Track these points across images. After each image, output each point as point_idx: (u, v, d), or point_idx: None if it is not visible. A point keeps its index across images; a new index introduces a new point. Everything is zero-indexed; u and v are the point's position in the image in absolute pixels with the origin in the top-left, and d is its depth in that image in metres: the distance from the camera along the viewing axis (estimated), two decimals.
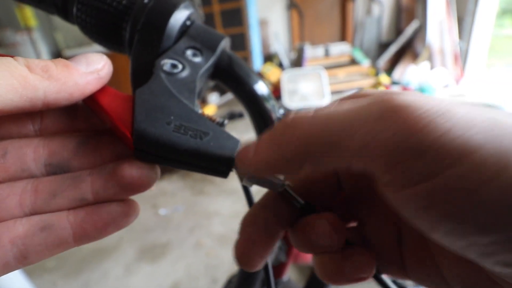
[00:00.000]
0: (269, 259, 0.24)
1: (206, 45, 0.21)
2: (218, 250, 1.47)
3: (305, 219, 0.17)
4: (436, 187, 0.10)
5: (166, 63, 0.18)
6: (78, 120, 0.17)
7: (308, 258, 0.80)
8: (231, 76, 0.23)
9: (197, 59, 0.20)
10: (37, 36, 2.77)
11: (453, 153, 0.10)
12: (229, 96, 3.02)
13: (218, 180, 2.03)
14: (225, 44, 0.22)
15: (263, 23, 3.30)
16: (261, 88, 0.24)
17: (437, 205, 0.11)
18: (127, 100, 0.16)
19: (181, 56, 0.19)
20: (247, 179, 0.16)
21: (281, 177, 0.17)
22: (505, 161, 0.10)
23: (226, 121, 0.18)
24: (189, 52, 0.20)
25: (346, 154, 0.12)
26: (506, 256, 0.10)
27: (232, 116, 2.55)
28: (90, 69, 0.15)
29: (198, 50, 0.20)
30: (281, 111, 0.25)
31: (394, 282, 0.17)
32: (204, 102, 2.96)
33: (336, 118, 0.12)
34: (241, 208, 1.72)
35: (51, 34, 2.94)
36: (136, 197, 0.16)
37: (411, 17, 3.11)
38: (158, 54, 0.19)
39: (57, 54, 2.89)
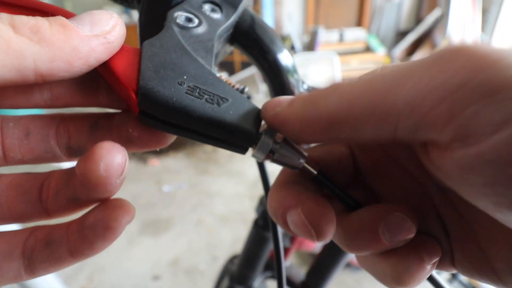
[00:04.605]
0: (281, 242, 0.23)
1: (226, 0, 0.18)
2: (219, 229, 1.49)
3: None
4: None
5: (180, 15, 0.16)
6: (100, 92, 0.15)
7: (311, 246, 0.79)
8: (253, 40, 0.20)
9: (216, 16, 0.17)
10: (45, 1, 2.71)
11: None
12: (239, 76, 2.96)
13: (222, 160, 2.02)
14: (247, 1, 0.19)
15: (276, 3, 3.17)
16: (286, 58, 0.21)
17: None
18: (133, 53, 0.14)
19: (197, 10, 0.17)
20: (262, 145, 0.14)
21: (305, 153, 0.14)
22: None
23: (246, 88, 0.15)
24: (206, 7, 0.17)
25: (393, 114, 0.10)
26: None
27: None
28: (95, 31, 0.12)
29: (217, 6, 0.18)
30: (305, 86, 0.22)
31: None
32: None
33: (381, 77, 0.11)
34: (243, 190, 1.71)
35: (60, 0, 2.88)
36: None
37: (433, 4, 2.95)
38: (171, 6, 0.16)
39: None
